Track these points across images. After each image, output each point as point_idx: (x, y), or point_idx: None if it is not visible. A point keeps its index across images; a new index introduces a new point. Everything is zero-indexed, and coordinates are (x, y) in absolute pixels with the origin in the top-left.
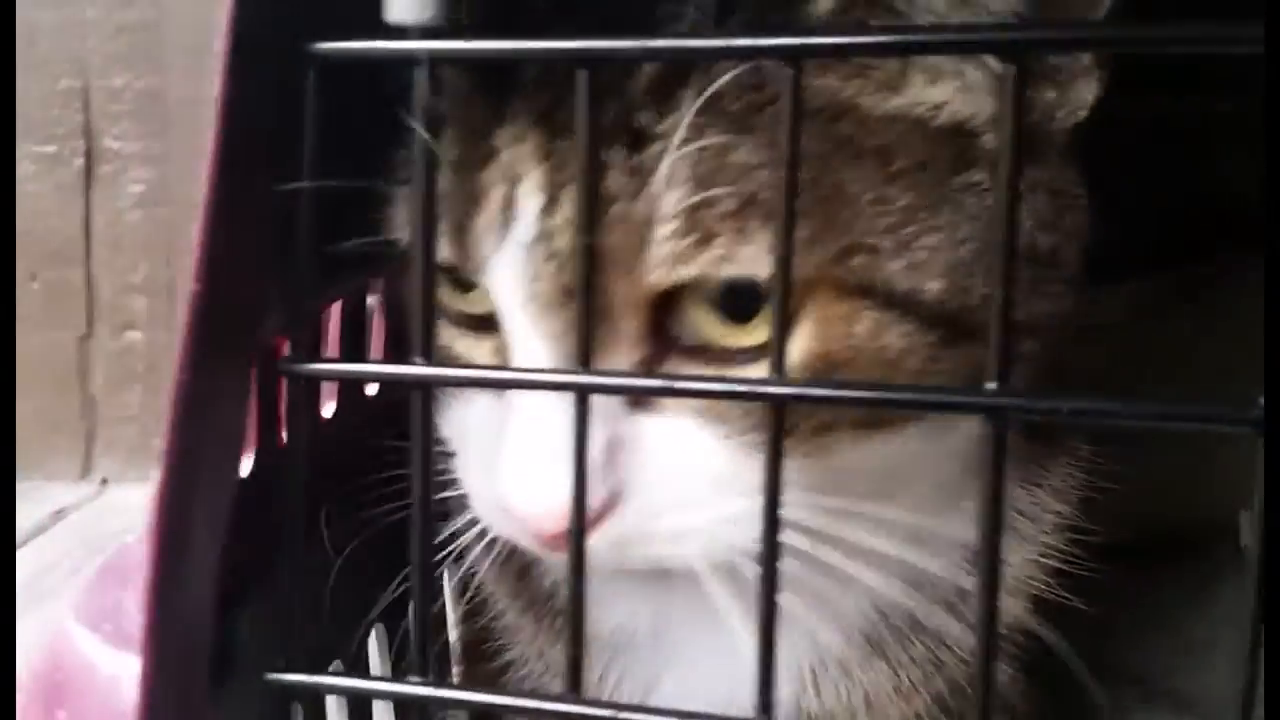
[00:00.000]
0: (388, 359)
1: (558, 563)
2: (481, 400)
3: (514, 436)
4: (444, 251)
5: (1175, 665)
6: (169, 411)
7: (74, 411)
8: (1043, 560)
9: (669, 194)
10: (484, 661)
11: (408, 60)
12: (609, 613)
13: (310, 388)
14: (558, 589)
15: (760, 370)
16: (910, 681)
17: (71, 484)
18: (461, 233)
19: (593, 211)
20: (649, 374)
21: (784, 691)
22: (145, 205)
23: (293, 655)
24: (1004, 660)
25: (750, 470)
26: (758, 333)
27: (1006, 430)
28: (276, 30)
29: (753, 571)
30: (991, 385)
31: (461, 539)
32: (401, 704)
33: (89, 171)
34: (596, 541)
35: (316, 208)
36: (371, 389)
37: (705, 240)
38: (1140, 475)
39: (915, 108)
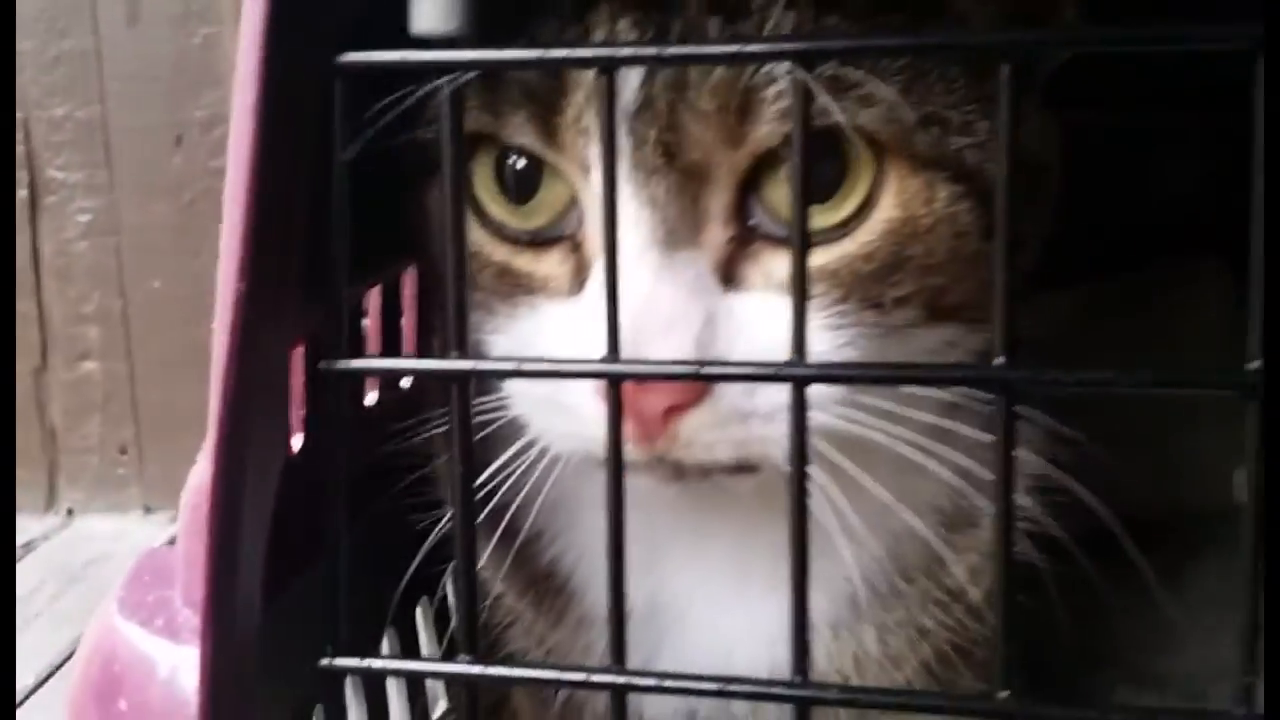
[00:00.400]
0: (385, 352)
1: (641, 473)
2: (551, 309)
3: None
4: (525, 139)
5: (1148, 646)
6: (217, 409)
7: (35, 443)
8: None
9: None
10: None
11: (433, 69)
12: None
13: (350, 383)
14: (555, 567)
15: (840, 250)
16: (896, 648)
17: (37, 516)
18: (550, 115)
19: (614, 208)
20: (683, 362)
21: (780, 654)
22: (92, 235)
23: (340, 640)
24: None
25: (832, 346)
26: (839, 209)
27: (1015, 404)
28: (306, 43)
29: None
30: (1001, 360)
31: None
32: (414, 681)
33: (34, 202)
34: (694, 421)
35: (351, 210)
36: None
37: (810, 97)
38: (1114, 464)
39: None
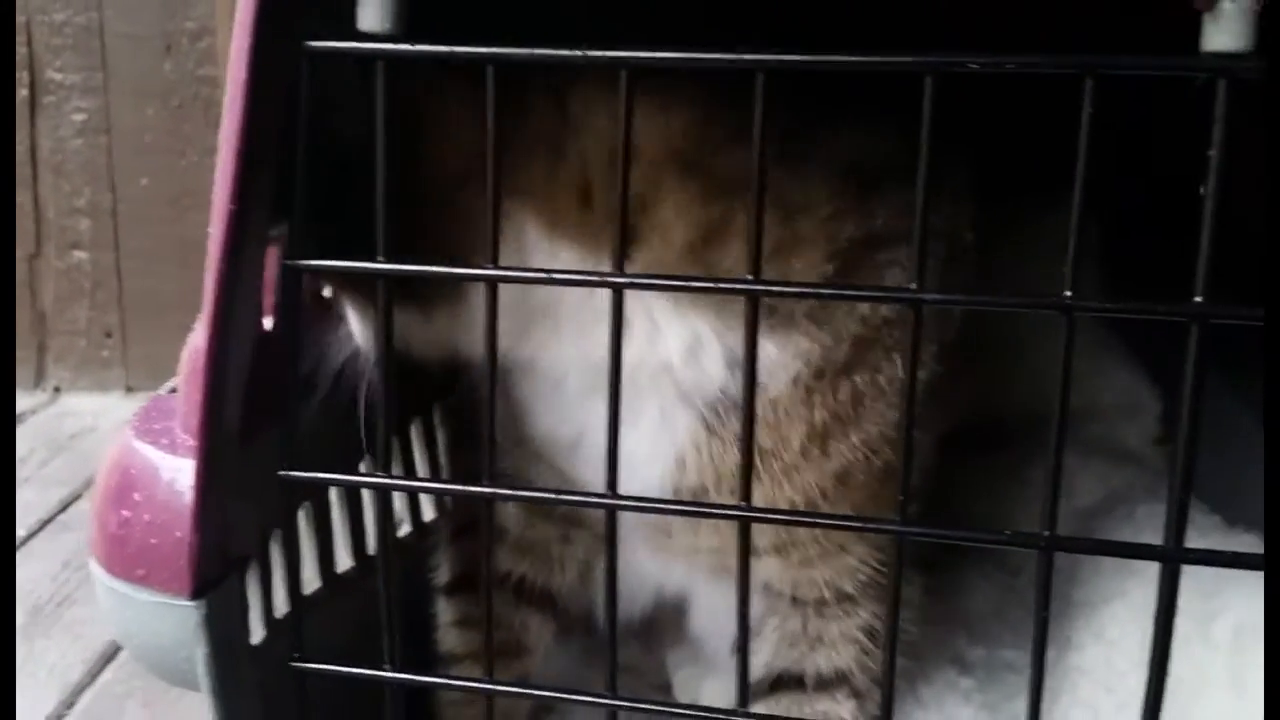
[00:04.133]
0: None
1: None
2: None
3: None
4: None
5: (1000, 522)
6: (212, 292)
7: (26, 325)
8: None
9: None
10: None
11: (373, 56)
12: (539, 422)
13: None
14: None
15: None
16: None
17: (28, 391)
18: None
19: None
20: None
21: (659, 470)
22: (86, 134)
23: (294, 456)
24: None
25: None
26: None
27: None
28: (283, 30)
29: None
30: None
31: None
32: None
33: (33, 101)
34: None
35: (311, 149)
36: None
37: None
38: (969, 380)
39: None
